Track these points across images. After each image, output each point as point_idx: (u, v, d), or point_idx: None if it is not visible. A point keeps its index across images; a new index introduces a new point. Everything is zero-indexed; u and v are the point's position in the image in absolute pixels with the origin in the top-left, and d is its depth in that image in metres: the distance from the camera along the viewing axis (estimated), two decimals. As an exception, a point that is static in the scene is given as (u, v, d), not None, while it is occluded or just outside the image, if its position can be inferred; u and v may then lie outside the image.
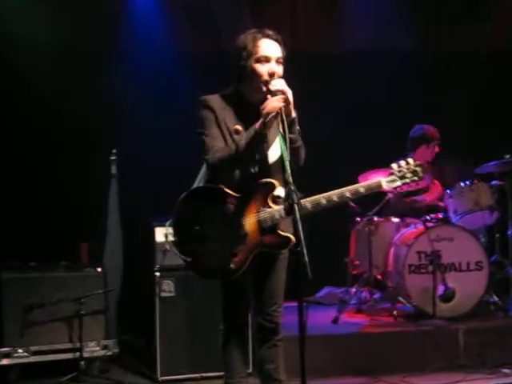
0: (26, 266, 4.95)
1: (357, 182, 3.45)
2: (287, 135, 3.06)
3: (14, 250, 5.23)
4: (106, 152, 5.46)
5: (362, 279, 5.94)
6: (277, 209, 3.25)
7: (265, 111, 3.18)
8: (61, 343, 4.86)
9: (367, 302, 6.00)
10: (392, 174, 3.40)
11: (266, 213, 3.27)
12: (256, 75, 3.29)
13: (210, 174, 3.37)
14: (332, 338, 5.11)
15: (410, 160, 3.43)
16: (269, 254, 3.37)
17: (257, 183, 3.29)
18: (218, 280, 3.42)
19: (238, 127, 3.32)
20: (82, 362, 4.80)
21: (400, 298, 5.79)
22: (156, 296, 4.79)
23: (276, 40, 3.34)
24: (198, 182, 3.43)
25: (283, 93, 3.17)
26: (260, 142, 3.26)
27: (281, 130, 3.09)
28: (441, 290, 5.38)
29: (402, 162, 3.41)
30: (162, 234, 4.85)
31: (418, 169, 3.40)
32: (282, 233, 3.26)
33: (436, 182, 6.16)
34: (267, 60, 3.29)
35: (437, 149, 6.05)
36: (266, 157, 3.35)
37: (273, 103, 3.17)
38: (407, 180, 3.40)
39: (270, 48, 3.30)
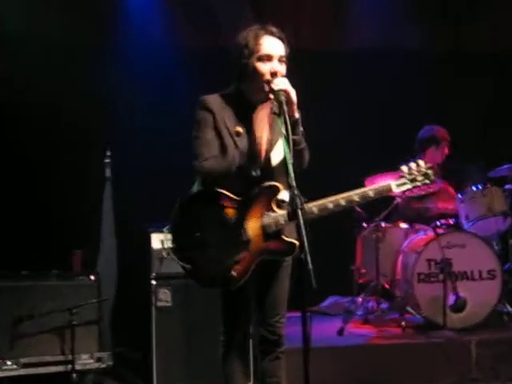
0: (16, 274, 4.95)
1: (363, 186, 3.46)
2: (290, 137, 3.06)
3: (3, 258, 5.24)
4: (99, 153, 5.47)
5: (369, 288, 5.95)
6: (281, 213, 3.25)
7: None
8: (52, 355, 4.85)
9: (374, 313, 6.01)
10: (402, 176, 3.40)
11: (270, 217, 3.27)
12: (258, 74, 3.29)
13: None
14: (337, 350, 5.11)
15: (421, 162, 3.43)
16: (272, 262, 3.37)
17: (260, 186, 3.30)
18: (219, 289, 3.42)
19: (239, 129, 3.33)
20: (75, 375, 4.79)
21: (409, 308, 5.79)
22: (152, 306, 4.79)
23: (279, 37, 3.34)
24: (197, 185, 3.43)
25: (286, 92, 3.18)
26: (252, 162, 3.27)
27: (284, 132, 3.09)
28: (452, 299, 5.38)
29: (413, 165, 3.41)
30: (158, 240, 4.86)
31: (429, 171, 3.41)
32: (286, 239, 3.26)
33: (446, 185, 6.17)
34: (269, 58, 3.29)
35: (446, 150, 6.07)
36: (268, 159, 3.35)
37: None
38: (418, 183, 3.41)
39: (272, 46, 3.31)
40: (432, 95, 6.89)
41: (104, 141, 5.62)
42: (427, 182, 3.41)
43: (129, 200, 5.68)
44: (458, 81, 6.93)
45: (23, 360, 4.79)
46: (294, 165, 3.01)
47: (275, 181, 3.31)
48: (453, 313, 5.37)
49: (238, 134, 3.32)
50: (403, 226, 6.02)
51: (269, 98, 3.26)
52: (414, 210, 6.05)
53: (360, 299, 5.97)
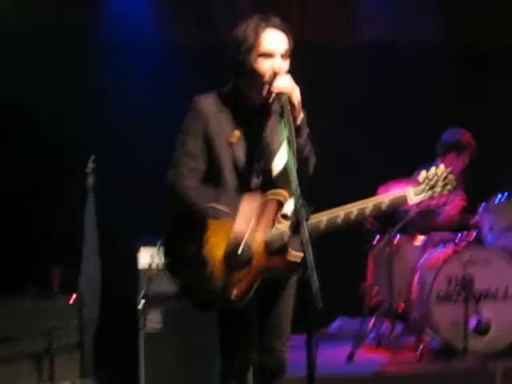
0: (-14, 293, 4.97)
1: (375, 194, 3.45)
2: (294, 141, 3.06)
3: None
4: (81, 159, 5.46)
5: (382, 309, 5.95)
6: (286, 227, 3.24)
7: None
8: (29, 384, 4.88)
9: (388, 336, 5.99)
10: (420, 183, 3.40)
11: (274, 232, 3.26)
12: (257, 73, 3.27)
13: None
14: (346, 379, 5.12)
15: (441, 166, 3.41)
16: (275, 280, 3.36)
17: (262, 196, 3.28)
18: (217, 311, 3.40)
19: (236, 136, 3.32)
20: (54, 406, 4.81)
21: (426, 331, 5.79)
22: (140, 330, 4.79)
23: (282, 30, 3.31)
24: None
25: (289, 92, 3.17)
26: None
27: (287, 135, 3.07)
28: (474, 321, 5.38)
29: (432, 169, 3.40)
30: (147, 255, 4.86)
31: (450, 177, 3.40)
32: (292, 255, 3.25)
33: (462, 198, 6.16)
34: (271, 55, 3.26)
35: (467, 160, 6.07)
36: (270, 167, 3.35)
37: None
38: (438, 190, 3.40)
39: (275, 41, 3.28)
40: (449, 93, 6.91)
41: (87, 145, 5.63)
42: (449, 188, 3.40)
43: (114, 212, 5.68)
44: (478, 80, 6.95)
45: (-4, 390, 4.81)
46: (298, 172, 2.99)
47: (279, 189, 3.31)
48: (475, 336, 5.37)
49: (233, 141, 3.32)
50: (420, 239, 6.03)
51: (269, 99, 3.26)
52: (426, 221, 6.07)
53: (372, 321, 5.97)
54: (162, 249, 3.36)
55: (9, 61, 5.89)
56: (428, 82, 6.78)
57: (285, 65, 3.30)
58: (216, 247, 3.24)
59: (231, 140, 3.32)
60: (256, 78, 3.28)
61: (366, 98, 6.74)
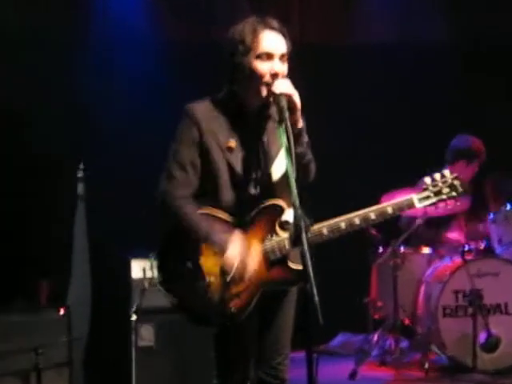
0: (-28, 308, 4.97)
1: (378, 202, 3.46)
2: (293, 148, 3.06)
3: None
4: (70, 166, 5.47)
5: (386, 324, 5.96)
6: (286, 237, 3.26)
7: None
8: (15, 403, 4.87)
9: (392, 353, 6.00)
10: (425, 189, 3.41)
11: (273, 242, 3.28)
12: (255, 75, 3.27)
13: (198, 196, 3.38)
14: (349, 397, 5.13)
15: (446, 172, 3.43)
16: (275, 292, 3.37)
17: (260, 206, 3.31)
18: (214, 327, 3.38)
19: (232, 144, 3.33)
20: (42, 427, 4.80)
21: (432, 348, 5.80)
22: (132, 345, 4.80)
23: (281, 32, 3.32)
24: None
25: (288, 97, 3.18)
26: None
27: (285, 142, 3.07)
28: (483, 337, 5.39)
29: (437, 175, 3.41)
30: (139, 268, 4.87)
31: (456, 182, 3.41)
32: (292, 266, 3.27)
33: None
34: (270, 57, 3.27)
35: (477, 169, 6.08)
36: (269, 175, 3.36)
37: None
38: (443, 196, 3.41)
39: (273, 42, 3.29)
40: (458, 97, 6.93)
41: (76, 151, 5.63)
42: (454, 194, 3.40)
43: (105, 221, 5.67)
44: (489, 79, 6.96)
45: (-19, 409, 4.80)
46: (297, 180, 2.99)
47: (277, 198, 3.32)
48: (484, 353, 5.38)
49: (229, 149, 3.33)
50: (426, 251, 6.03)
51: (267, 103, 3.28)
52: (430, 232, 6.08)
53: (375, 337, 5.97)
54: (155, 263, 3.36)
55: (9, 61, 5.90)
56: (430, 82, 6.79)
57: (284, 68, 3.31)
58: (212, 261, 3.25)
59: (227, 147, 3.33)
60: (254, 79, 3.28)
61: (367, 99, 6.76)
